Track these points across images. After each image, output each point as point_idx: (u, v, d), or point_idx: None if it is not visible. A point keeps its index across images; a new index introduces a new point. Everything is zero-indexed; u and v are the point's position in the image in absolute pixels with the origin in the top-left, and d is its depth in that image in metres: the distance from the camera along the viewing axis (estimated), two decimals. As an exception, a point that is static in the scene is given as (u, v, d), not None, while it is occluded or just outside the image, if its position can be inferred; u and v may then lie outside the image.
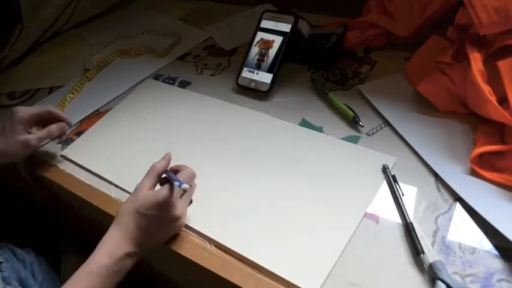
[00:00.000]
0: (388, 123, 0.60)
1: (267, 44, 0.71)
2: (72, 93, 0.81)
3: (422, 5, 0.69)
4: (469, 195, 0.48)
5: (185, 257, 0.49)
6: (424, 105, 0.61)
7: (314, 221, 0.50)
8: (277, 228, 0.50)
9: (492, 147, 0.50)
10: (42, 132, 0.60)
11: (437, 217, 0.48)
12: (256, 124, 0.65)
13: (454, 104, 0.59)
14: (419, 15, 0.68)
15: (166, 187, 0.48)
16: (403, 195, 0.50)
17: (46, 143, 0.69)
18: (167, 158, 0.52)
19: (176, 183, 0.46)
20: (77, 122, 0.75)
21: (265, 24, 0.73)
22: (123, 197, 0.58)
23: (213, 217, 0.53)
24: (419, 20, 0.68)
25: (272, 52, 0.70)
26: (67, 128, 0.63)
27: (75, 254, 0.79)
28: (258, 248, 0.48)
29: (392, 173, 0.53)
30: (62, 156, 0.68)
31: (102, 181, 0.62)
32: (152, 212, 0.47)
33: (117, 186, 0.60)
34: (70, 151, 0.68)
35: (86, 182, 0.62)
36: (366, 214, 0.50)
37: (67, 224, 0.86)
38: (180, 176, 0.49)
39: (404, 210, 0.48)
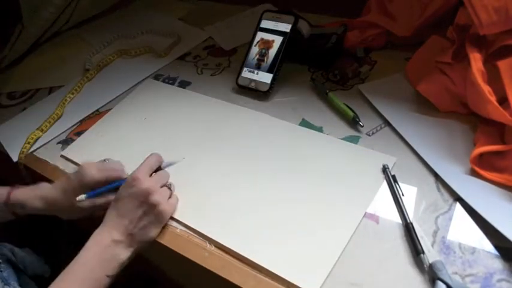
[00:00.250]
0: (388, 123, 0.60)
1: (267, 44, 0.71)
2: (72, 93, 0.81)
3: (422, 5, 0.69)
4: (469, 195, 0.48)
5: (185, 257, 0.49)
6: (424, 105, 0.61)
7: (314, 221, 0.50)
8: (277, 228, 0.50)
9: (492, 147, 0.50)
10: (100, 200, 0.54)
11: (437, 217, 0.48)
12: (256, 124, 0.65)
13: (454, 104, 0.59)
14: (419, 15, 0.68)
15: (137, 169, 0.51)
16: (403, 195, 0.50)
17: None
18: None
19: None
20: (77, 122, 0.75)
21: (265, 24, 0.73)
22: (123, 197, 0.58)
23: (213, 217, 0.53)
24: (419, 20, 0.68)
25: (272, 52, 0.70)
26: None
27: (75, 254, 0.79)
28: (258, 248, 0.48)
29: (392, 173, 0.53)
30: (62, 156, 0.68)
31: (102, 181, 0.62)
32: (126, 191, 0.49)
33: (117, 186, 0.60)
34: (70, 151, 0.68)
35: (86, 182, 0.62)
36: (366, 214, 0.50)
37: (67, 224, 0.86)
38: (140, 165, 0.52)
39: (404, 210, 0.48)
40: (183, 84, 0.79)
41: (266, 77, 0.70)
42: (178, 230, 0.53)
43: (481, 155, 0.51)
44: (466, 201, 0.48)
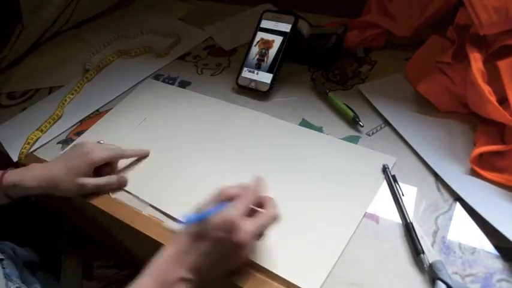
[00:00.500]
0: (388, 123, 0.60)
1: (267, 44, 0.71)
2: (72, 94, 0.81)
3: (422, 5, 0.69)
4: (469, 195, 0.48)
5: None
6: (424, 105, 0.61)
7: (314, 221, 0.50)
8: (277, 228, 0.50)
9: (492, 147, 0.50)
10: (101, 180, 0.58)
11: (437, 217, 0.48)
12: (256, 124, 0.65)
13: (454, 104, 0.59)
14: (419, 15, 0.68)
15: (233, 205, 0.42)
16: (403, 195, 0.50)
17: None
18: (254, 186, 0.46)
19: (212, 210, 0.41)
20: (77, 122, 0.75)
21: (265, 24, 0.73)
22: (122, 196, 0.58)
23: (213, 217, 0.53)
24: (419, 20, 0.68)
25: (272, 52, 0.70)
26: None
27: (75, 254, 0.79)
28: (258, 248, 0.48)
29: (392, 173, 0.53)
30: (62, 156, 0.68)
31: (102, 181, 0.62)
32: (215, 234, 0.41)
33: (117, 186, 0.60)
34: (70, 151, 0.68)
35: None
36: (366, 214, 0.50)
37: (67, 224, 0.86)
38: (237, 199, 0.43)
39: (404, 210, 0.48)
40: (183, 84, 0.79)
41: (266, 77, 0.70)
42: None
43: (481, 155, 0.51)
44: (466, 201, 0.48)
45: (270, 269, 0.45)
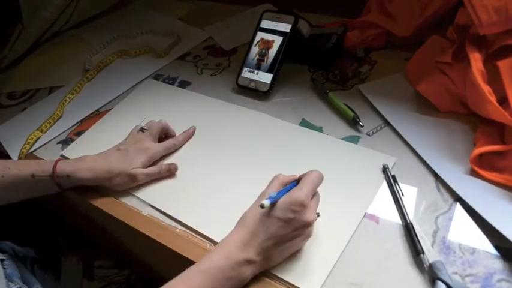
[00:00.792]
0: (388, 123, 0.60)
1: (267, 44, 0.71)
2: (72, 94, 0.81)
3: (422, 5, 0.69)
4: (469, 195, 0.48)
5: (185, 257, 0.49)
6: (424, 105, 0.61)
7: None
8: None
9: (492, 147, 0.50)
10: (152, 169, 0.58)
11: (437, 217, 0.48)
12: (256, 124, 0.65)
13: (454, 104, 0.59)
14: (419, 15, 0.68)
15: (301, 187, 0.44)
16: (403, 195, 0.50)
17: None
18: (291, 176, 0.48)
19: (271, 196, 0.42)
20: (77, 122, 0.75)
21: (265, 24, 0.73)
22: (122, 196, 0.58)
23: (213, 217, 0.53)
24: (419, 20, 0.68)
25: (272, 52, 0.70)
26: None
27: (75, 254, 0.79)
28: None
29: (392, 173, 0.53)
30: (62, 156, 0.68)
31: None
32: (285, 214, 0.42)
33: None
34: (70, 151, 0.68)
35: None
36: (365, 214, 0.50)
37: (67, 224, 0.86)
38: (303, 182, 0.45)
39: (404, 210, 0.48)
40: (183, 84, 0.79)
41: (266, 77, 0.70)
42: (178, 230, 0.53)
43: (481, 155, 0.51)
44: (466, 201, 0.48)
45: (269, 269, 0.45)
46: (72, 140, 0.71)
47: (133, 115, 0.73)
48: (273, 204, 0.43)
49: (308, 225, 0.43)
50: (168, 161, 0.62)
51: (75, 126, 0.74)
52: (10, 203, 0.59)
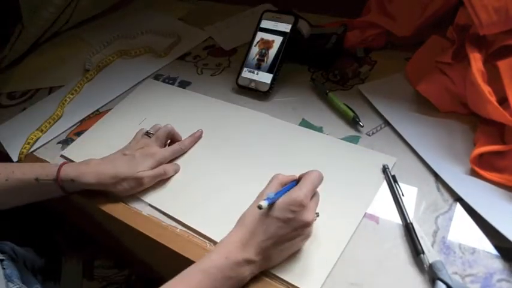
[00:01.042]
0: (388, 123, 0.60)
1: (267, 44, 0.71)
2: (72, 94, 0.81)
3: (422, 5, 0.69)
4: (469, 195, 0.48)
5: (185, 257, 0.49)
6: (424, 105, 0.61)
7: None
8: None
9: (492, 147, 0.50)
10: (158, 170, 0.57)
11: (437, 217, 0.48)
12: (256, 124, 0.65)
13: (454, 104, 0.59)
14: (419, 15, 0.68)
15: (300, 187, 0.44)
16: (403, 195, 0.50)
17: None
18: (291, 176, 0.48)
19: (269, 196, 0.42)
20: (77, 122, 0.75)
21: (265, 24, 0.73)
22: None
23: (213, 217, 0.53)
24: (419, 20, 0.68)
25: (272, 52, 0.70)
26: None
27: (75, 254, 0.79)
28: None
29: (392, 173, 0.53)
30: (61, 156, 0.68)
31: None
32: (284, 214, 0.42)
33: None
34: (70, 151, 0.68)
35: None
36: (365, 214, 0.50)
37: (67, 224, 0.86)
38: (302, 182, 0.45)
39: (404, 210, 0.48)
40: (183, 84, 0.79)
41: (266, 77, 0.70)
42: (178, 230, 0.53)
43: (481, 155, 0.51)
44: (466, 201, 0.48)
45: (269, 269, 0.45)
46: (72, 140, 0.71)
47: (133, 115, 0.73)
48: (272, 204, 0.43)
49: (307, 225, 0.43)
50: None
51: (75, 126, 0.74)
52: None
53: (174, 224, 0.54)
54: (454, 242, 0.45)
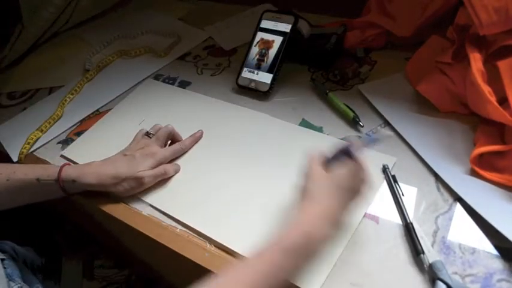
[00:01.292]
0: (388, 123, 0.60)
1: (267, 44, 0.71)
2: (72, 94, 0.81)
3: (422, 5, 0.69)
4: (469, 195, 0.48)
5: (185, 257, 0.49)
6: (424, 105, 0.61)
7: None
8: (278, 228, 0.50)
9: (492, 147, 0.50)
10: (159, 170, 0.57)
11: (437, 217, 0.48)
12: (256, 124, 0.65)
13: (454, 104, 0.59)
14: (419, 15, 0.68)
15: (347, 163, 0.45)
16: (403, 195, 0.50)
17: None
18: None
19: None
20: (77, 122, 0.75)
21: (265, 24, 0.73)
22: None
23: (213, 217, 0.53)
24: (419, 20, 0.68)
25: (272, 52, 0.70)
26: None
27: (75, 254, 0.79)
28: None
29: (392, 173, 0.53)
30: (62, 156, 0.68)
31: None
32: (349, 183, 0.44)
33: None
34: (70, 151, 0.68)
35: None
36: (366, 214, 0.50)
37: (67, 224, 0.86)
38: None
39: (404, 210, 0.48)
40: (183, 84, 0.79)
41: (266, 77, 0.70)
42: (178, 230, 0.53)
43: (481, 155, 0.51)
44: (466, 201, 0.48)
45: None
46: (72, 140, 0.71)
47: (133, 115, 0.73)
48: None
49: (366, 182, 0.45)
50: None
51: (75, 126, 0.74)
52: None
53: (174, 224, 0.54)
54: (454, 242, 0.45)
